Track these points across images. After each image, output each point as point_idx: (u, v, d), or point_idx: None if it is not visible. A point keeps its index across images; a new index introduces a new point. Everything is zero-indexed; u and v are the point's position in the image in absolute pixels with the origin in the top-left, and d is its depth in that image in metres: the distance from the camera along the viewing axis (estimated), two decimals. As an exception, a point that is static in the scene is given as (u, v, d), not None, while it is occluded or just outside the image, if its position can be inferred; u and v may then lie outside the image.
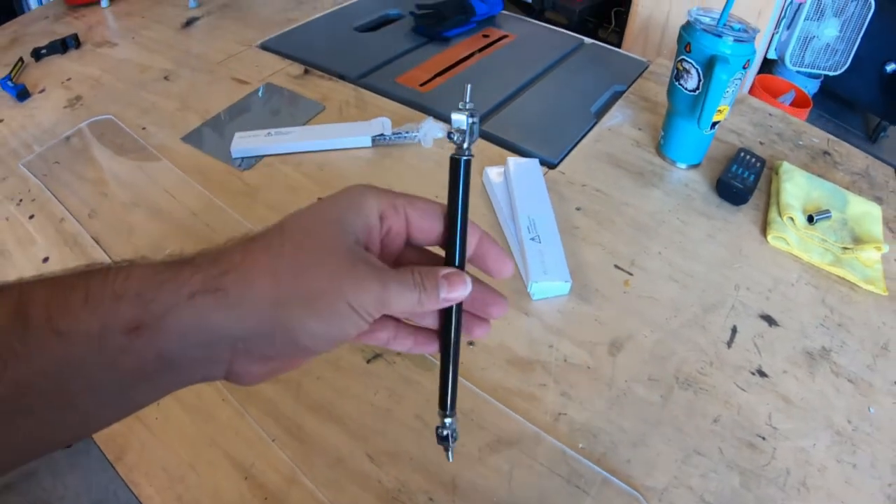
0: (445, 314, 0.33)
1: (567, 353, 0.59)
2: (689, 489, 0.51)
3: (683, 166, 0.79)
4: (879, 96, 1.54)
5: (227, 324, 0.26)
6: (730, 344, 0.61)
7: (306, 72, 0.99)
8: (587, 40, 1.07)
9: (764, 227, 0.72)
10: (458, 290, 0.31)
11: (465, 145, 0.32)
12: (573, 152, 0.81)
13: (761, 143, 0.84)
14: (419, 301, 0.30)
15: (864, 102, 2.09)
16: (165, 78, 0.99)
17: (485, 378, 0.57)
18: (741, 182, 0.73)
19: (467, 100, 0.31)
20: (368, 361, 0.58)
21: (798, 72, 1.89)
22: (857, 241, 0.69)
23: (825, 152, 0.83)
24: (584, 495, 0.50)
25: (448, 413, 0.35)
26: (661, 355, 0.60)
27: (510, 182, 0.70)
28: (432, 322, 0.33)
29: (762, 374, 0.59)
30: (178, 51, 1.06)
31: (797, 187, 0.73)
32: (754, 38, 0.68)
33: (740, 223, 0.72)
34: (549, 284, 0.61)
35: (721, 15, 0.68)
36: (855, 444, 0.54)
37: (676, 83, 0.72)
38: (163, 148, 0.83)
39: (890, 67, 1.68)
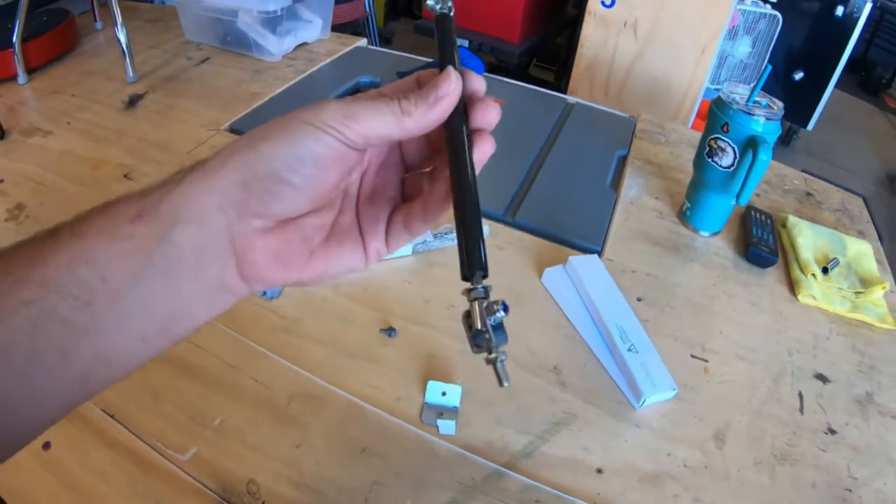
0: (450, 134, 0.31)
1: (684, 458, 0.64)
2: (814, 558, 0.59)
3: (706, 234, 0.85)
4: (789, 103, 1.76)
5: (207, 189, 0.28)
6: (802, 410, 0.69)
7: (302, 165, 0.92)
8: (571, 99, 1.10)
9: (789, 285, 0.81)
10: (446, 85, 0.30)
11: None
12: (610, 235, 0.85)
13: (757, 196, 0.93)
14: (401, 108, 0.29)
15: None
16: (126, 176, 0.84)
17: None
18: (766, 245, 0.81)
19: None
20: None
21: (716, 89, 2.07)
22: (864, 282, 0.80)
23: (808, 193, 0.94)
24: None
25: (478, 277, 0.29)
26: (756, 436, 0.66)
27: (583, 286, 0.73)
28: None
29: (832, 431, 0.68)
30: (132, 138, 0.92)
31: (807, 240, 0.83)
32: (780, 116, 0.74)
33: (770, 285, 0.81)
34: (659, 395, 0.65)
35: (751, 93, 0.74)
36: (919, 475, 0.64)
37: (709, 160, 0.78)
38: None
39: (797, 76, 1.89)
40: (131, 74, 1.05)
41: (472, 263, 0.29)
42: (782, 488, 0.63)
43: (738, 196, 0.77)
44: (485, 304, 0.28)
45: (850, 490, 0.63)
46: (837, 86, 1.98)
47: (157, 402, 0.61)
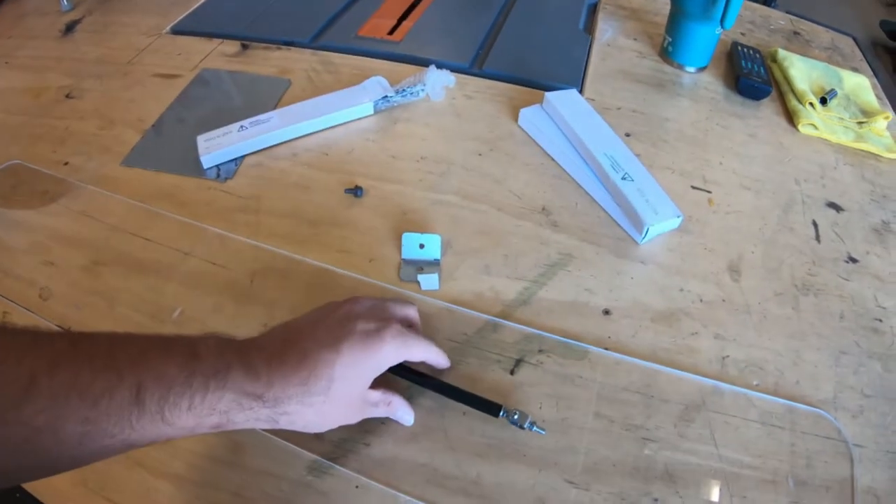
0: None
1: (699, 293, 0.55)
2: (851, 389, 0.51)
3: (692, 70, 0.76)
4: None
5: (262, 418, 0.38)
6: (818, 239, 0.61)
7: (245, 46, 0.80)
8: (529, -49, 0.98)
9: (788, 117, 0.72)
10: (403, 420, 0.45)
11: None
12: (588, 76, 0.75)
13: (742, 35, 0.84)
14: (385, 412, 0.44)
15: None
16: (68, 96, 0.74)
17: (640, 345, 0.51)
18: (758, 76, 0.72)
19: None
20: (512, 372, 0.48)
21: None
22: (865, 113, 0.73)
23: (795, 32, 0.86)
24: (782, 431, 0.47)
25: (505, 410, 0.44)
26: (773, 267, 0.58)
27: (564, 121, 0.62)
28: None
29: (853, 259, 0.60)
30: (71, 61, 0.81)
31: (800, 72, 0.75)
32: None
33: (767, 117, 0.72)
34: (662, 224, 0.56)
35: None
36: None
37: (689, -15, 0.68)
38: (104, 181, 0.63)
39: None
40: (66, 3, 0.92)
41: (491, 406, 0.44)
42: (808, 319, 0.55)
43: (721, 19, 0.68)
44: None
45: (880, 320, 0.56)
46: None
47: (111, 306, 0.53)
